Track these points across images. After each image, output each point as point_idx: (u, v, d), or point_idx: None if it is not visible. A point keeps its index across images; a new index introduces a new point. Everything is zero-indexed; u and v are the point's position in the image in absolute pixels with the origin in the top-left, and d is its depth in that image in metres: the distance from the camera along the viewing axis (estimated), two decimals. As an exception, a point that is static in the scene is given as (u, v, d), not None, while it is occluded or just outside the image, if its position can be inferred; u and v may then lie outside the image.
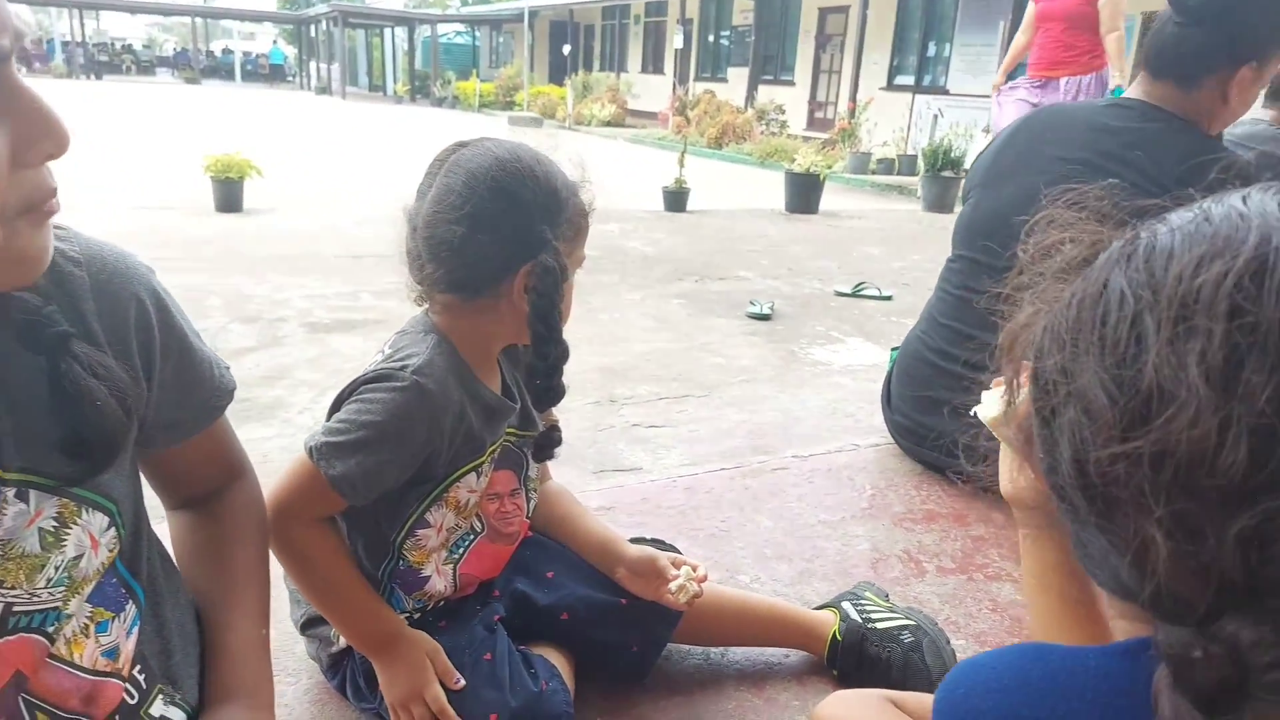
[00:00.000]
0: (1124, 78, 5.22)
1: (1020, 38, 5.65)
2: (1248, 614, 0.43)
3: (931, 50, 14.49)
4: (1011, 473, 0.77)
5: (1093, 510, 0.49)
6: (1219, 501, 0.41)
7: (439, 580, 1.10)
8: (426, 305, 1.07)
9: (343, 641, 1.09)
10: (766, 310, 3.49)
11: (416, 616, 1.11)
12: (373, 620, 1.04)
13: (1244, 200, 0.47)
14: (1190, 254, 0.45)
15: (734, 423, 2.27)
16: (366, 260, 4.14)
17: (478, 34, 32.72)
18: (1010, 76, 5.52)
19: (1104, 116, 1.70)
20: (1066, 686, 0.55)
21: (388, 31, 32.40)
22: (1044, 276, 0.58)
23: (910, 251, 5.25)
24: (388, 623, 1.05)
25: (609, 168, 10.02)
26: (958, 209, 7.35)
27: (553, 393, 1.04)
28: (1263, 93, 1.96)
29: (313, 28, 33.01)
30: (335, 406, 1.02)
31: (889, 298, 3.93)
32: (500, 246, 0.99)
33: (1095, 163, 1.64)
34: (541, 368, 1.01)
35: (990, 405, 0.74)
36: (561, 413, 1.12)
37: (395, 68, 32.80)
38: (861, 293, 3.98)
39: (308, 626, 1.15)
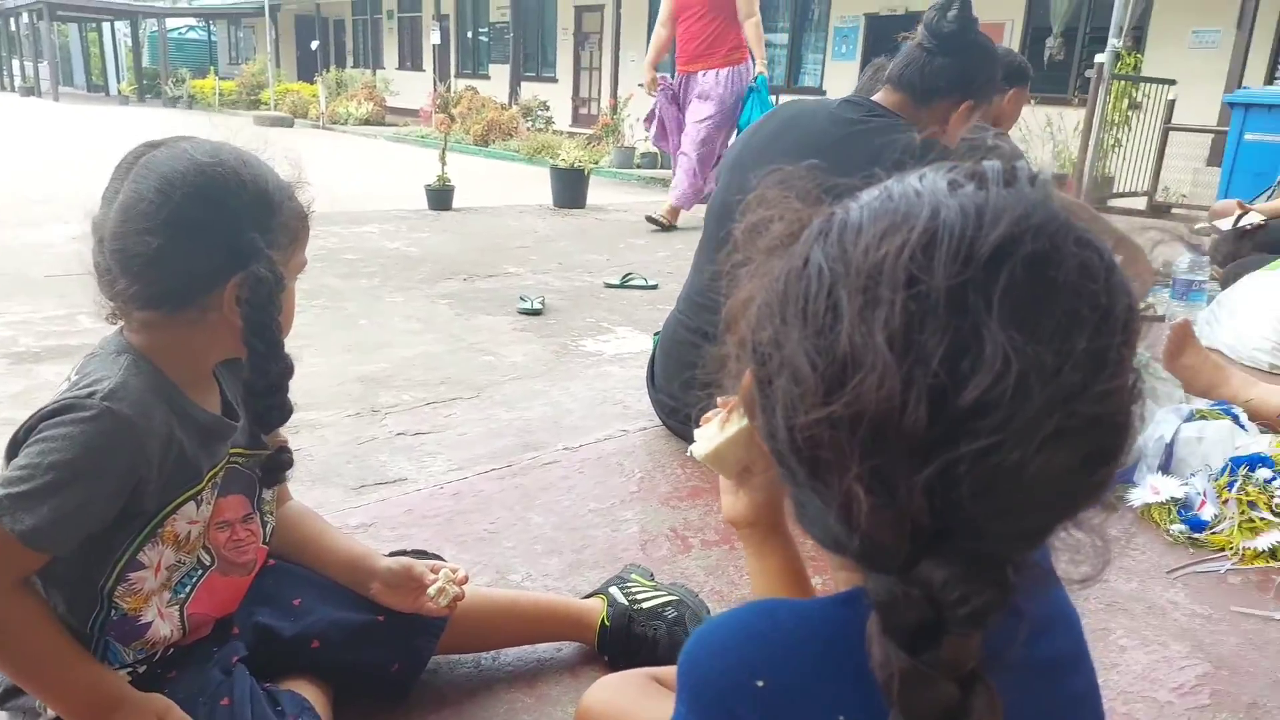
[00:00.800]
0: (763, 63, 5.42)
1: (660, 31, 5.63)
2: (939, 556, 0.47)
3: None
4: (729, 497, 0.82)
5: (805, 471, 0.51)
6: (906, 455, 0.45)
7: (163, 625, 0.99)
8: (120, 324, 0.96)
9: (51, 713, 0.96)
10: (537, 305, 3.48)
11: (142, 670, 0.99)
12: (87, 688, 0.91)
13: (920, 179, 0.51)
14: (874, 228, 0.48)
15: (504, 422, 2.24)
16: (83, 278, 3.70)
17: (214, 28, 30.27)
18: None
19: (840, 110, 1.86)
20: (794, 637, 0.59)
21: (107, 26, 29.21)
22: (757, 253, 0.60)
23: (674, 241, 5.44)
24: (107, 687, 0.93)
25: (369, 166, 9.61)
26: (716, 198, 7.75)
27: (277, 412, 0.96)
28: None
29: (12, 21, 29.12)
30: (11, 450, 0.89)
31: (655, 286, 4.04)
32: (203, 256, 0.90)
33: (824, 146, 1.77)
34: (261, 385, 0.94)
35: (703, 443, 0.78)
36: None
37: (119, 65, 29.66)
38: (629, 283, 4.07)
39: (5, 698, 1.00)
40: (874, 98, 1.89)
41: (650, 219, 5.81)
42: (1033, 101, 2.94)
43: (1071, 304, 0.45)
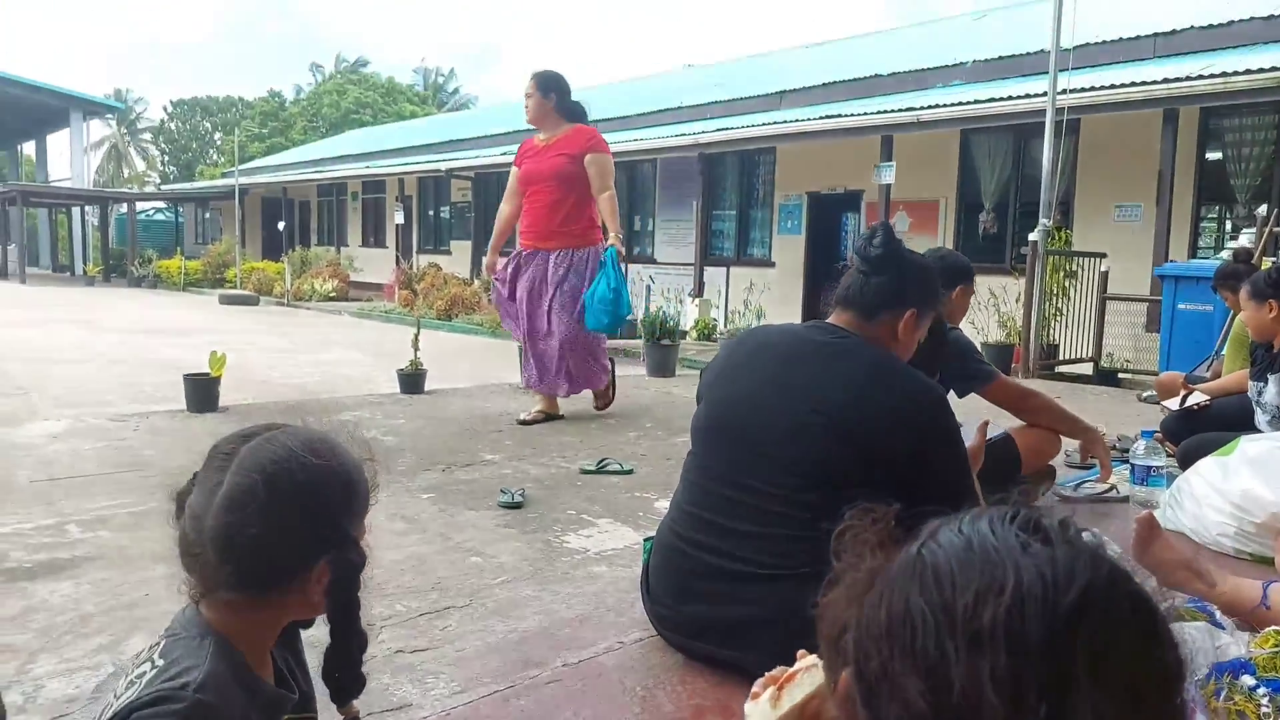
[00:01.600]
0: (616, 236, 5.05)
1: (504, 207, 5.25)
2: None
3: (638, 225, 15.94)
4: None
5: None
6: None
7: None
8: (199, 601, 1.01)
9: None
10: (518, 498, 3.52)
11: None
12: None
13: (991, 529, 0.61)
14: (967, 584, 0.58)
15: (500, 635, 2.24)
16: (69, 484, 3.69)
17: (181, 210, 31.14)
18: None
19: (810, 332, 2.02)
20: None
21: (75, 209, 29.92)
22: (851, 577, 0.68)
23: (642, 420, 5.55)
24: None
25: (335, 343, 9.77)
26: (680, 373, 7.91)
27: (356, 684, 1.01)
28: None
29: (-20, 205, 29.73)
30: None
31: (630, 471, 4.12)
32: (301, 544, 0.98)
33: (808, 354, 1.92)
34: (343, 660, 0.99)
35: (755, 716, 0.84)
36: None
37: (86, 246, 30.17)
38: (606, 468, 4.14)
39: None
40: (828, 320, 2.07)
41: (598, 407, 5.68)
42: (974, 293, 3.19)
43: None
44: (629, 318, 6.14)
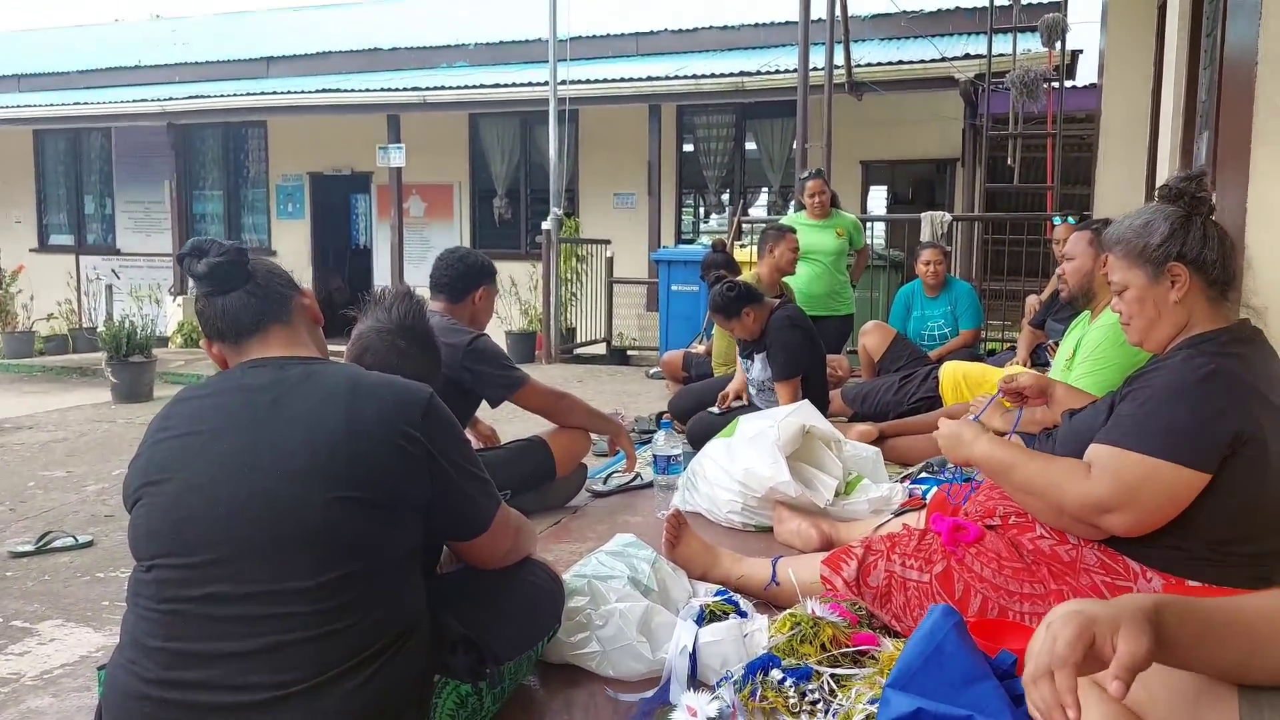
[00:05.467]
0: None
1: None
2: None
3: (90, 207, 13.75)
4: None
5: None
6: None
7: None
8: None
9: None
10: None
11: None
12: None
13: None
14: None
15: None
16: None
17: None
18: None
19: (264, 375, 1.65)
20: None
21: None
22: None
23: (109, 463, 4.58)
24: None
25: None
26: (159, 393, 6.82)
27: None
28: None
29: None
30: None
31: (90, 543, 3.26)
32: None
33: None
34: None
35: None
36: None
37: None
38: (50, 546, 3.21)
39: None
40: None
41: None
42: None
43: None
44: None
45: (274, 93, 11.43)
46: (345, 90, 11.08)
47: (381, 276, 11.80)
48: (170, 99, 11.78)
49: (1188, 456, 1.59)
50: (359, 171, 12.28)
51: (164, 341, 10.60)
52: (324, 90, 11.21)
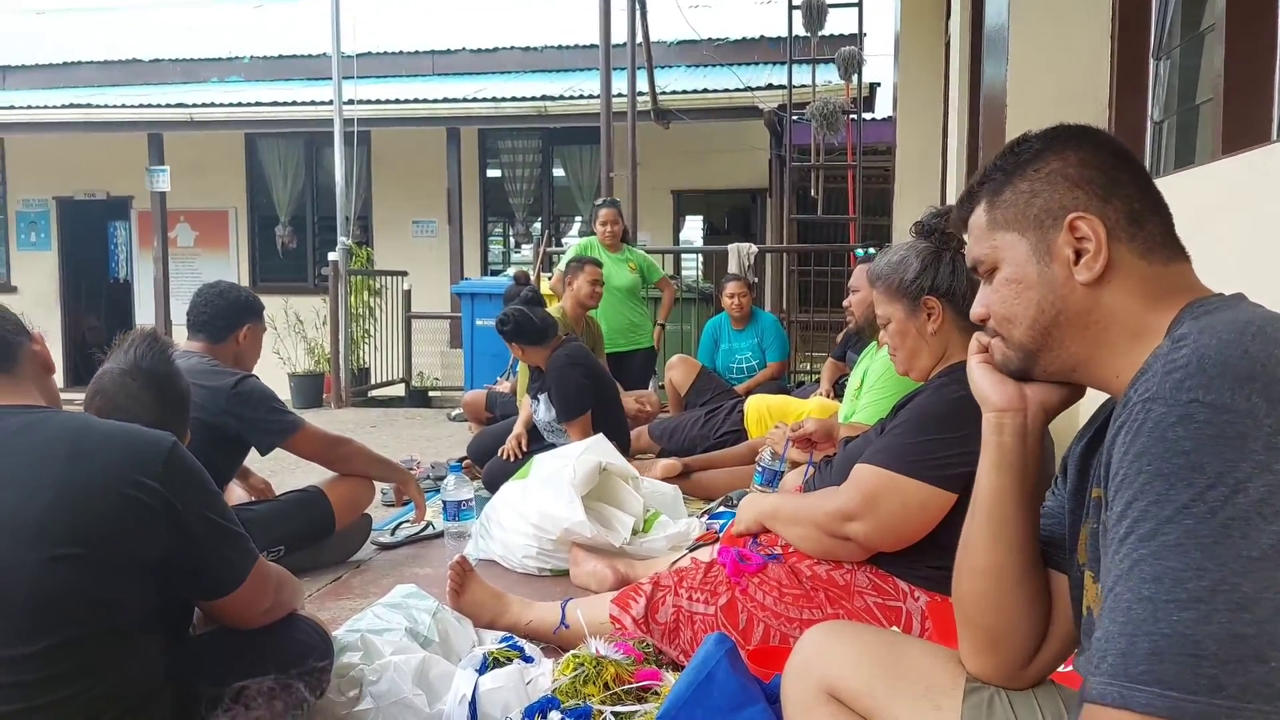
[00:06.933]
0: None
1: None
2: None
3: None
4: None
5: None
6: None
7: None
8: None
9: None
10: None
11: None
12: None
13: None
14: None
15: None
16: None
17: None
18: None
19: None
20: None
21: None
22: None
23: None
24: None
25: None
26: None
27: None
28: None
29: None
30: None
31: None
32: None
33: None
34: None
35: None
36: None
37: None
38: None
39: None
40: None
41: None
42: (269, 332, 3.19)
43: None
44: None
45: (11, 107, 10.60)
46: (98, 106, 10.44)
47: (145, 314, 11.10)
48: None
49: (930, 475, 1.80)
50: (116, 196, 11.56)
51: None
52: (72, 105, 10.50)
